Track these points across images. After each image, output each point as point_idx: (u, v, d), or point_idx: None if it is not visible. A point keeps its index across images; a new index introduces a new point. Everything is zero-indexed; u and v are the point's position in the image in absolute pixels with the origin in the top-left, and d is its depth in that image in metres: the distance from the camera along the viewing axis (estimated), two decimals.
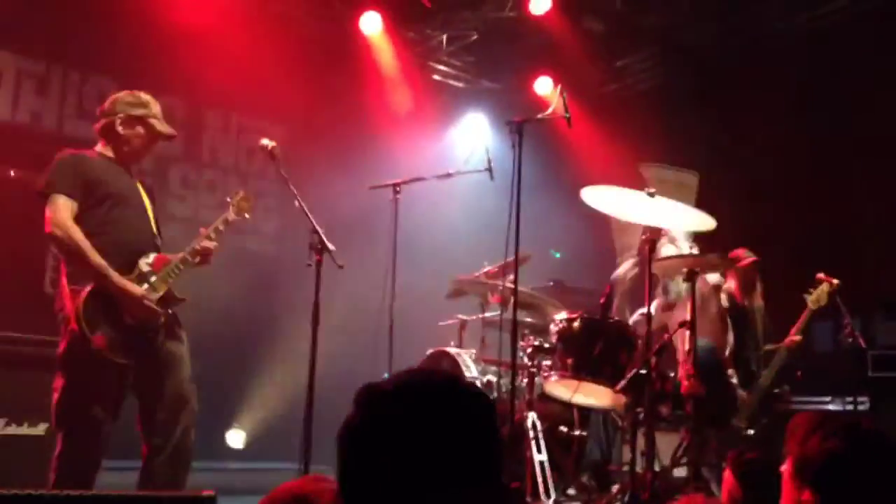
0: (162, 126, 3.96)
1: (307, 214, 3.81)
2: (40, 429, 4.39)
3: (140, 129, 3.94)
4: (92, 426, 3.68)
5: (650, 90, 7.90)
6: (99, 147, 3.98)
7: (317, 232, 3.77)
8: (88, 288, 3.67)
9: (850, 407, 5.89)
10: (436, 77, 8.32)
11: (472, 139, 7.94)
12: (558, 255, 5.98)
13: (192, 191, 7.37)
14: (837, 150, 6.79)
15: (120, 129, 3.92)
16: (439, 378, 1.46)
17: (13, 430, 4.37)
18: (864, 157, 6.65)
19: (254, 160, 7.53)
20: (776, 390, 5.26)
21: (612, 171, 7.50)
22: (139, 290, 3.73)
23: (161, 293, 3.81)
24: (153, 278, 3.81)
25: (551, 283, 5.91)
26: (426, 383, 1.44)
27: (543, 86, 8.02)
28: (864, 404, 5.93)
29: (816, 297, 5.20)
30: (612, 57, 7.99)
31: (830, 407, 6.02)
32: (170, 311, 3.86)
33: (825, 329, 6.29)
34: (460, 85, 8.49)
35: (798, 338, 5.20)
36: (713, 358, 4.84)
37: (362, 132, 7.32)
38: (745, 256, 5.56)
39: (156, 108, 3.97)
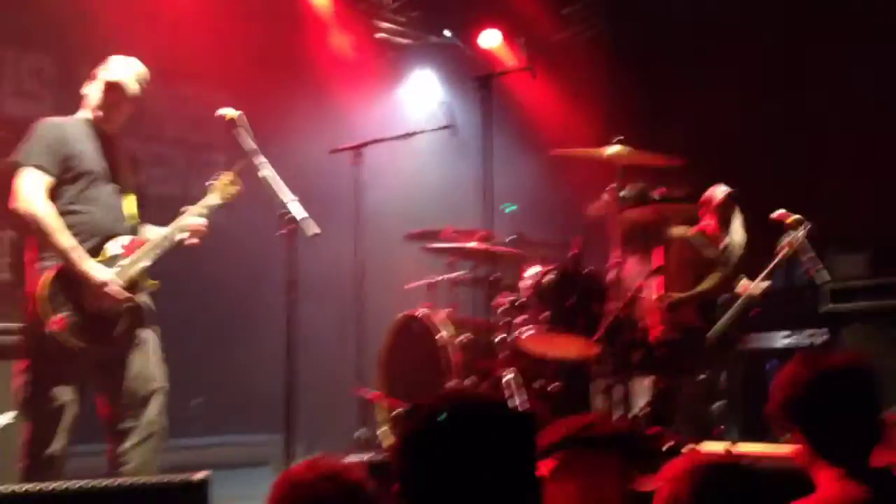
0: (113, 75, 3.85)
1: (276, 185, 3.70)
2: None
3: (98, 83, 3.86)
4: (56, 411, 3.60)
5: (597, 37, 7.87)
6: (80, 112, 3.89)
7: (286, 202, 3.67)
8: (55, 268, 3.57)
9: (808, 341, 6.04)
10: (380, 35, 8.16)
11: (425, 97, 7.84)
12: (510, 209, 5.96)
13: (143, 168, 7.14)
14: (788, 85, 6.87)
15: (91, 90, 3.85)
16: (488, 402, 1.73)
17: None
18: (816, 91, 6.74)
19: (202, 131, 7.33)
20: (732, 334, 5.30)
21: (566, 124, 7.53)
22: (101, 276, 3.63)
23: (130, 277, 3.71)
24: (123, 262, 3.71)
25: (513, 237, 5.90)
26: (476, 407, 1.67)
27: (489, 39, 7.94)
28: (823, 336, 6.10)
29: (789, 241, 5.08)
30: (558, 4, 7.94)
31: (788, 341, 6.16)
32: (139, 297, 3.77)
33: (787, 265, 6.42)
34: (406, 42, 8.35)
35: (764, 284, 5.15)
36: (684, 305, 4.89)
37: (310, 96, 7.17)
38: (717, 194, 5.44)
39: (118, 65, 3.88)
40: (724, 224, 5.36)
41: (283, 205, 3.58)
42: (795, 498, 2.22)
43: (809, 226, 5.12)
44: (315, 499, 1.64)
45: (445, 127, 4.89)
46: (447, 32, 8.10)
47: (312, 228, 3.54)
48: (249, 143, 3.78)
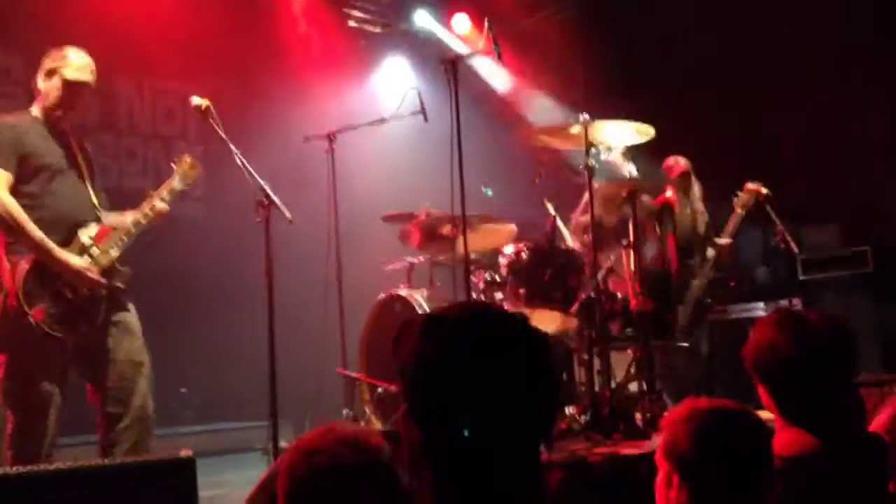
0: (74, 73, 3.83)
1: (250, 170, 3.76)
2: None
3: (56, 81, 3.83)
4: (40, 401, 3.65)
5: (568, 20, 7.92)
6: (32, 108, 3.89)
7: (263, 188, 3.74)
8: (28, 261, 3.60)
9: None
10: (352, 24, 8.18)
11: (397, 83, 7.88)
12: (490, 193, 6.02)
13: (113, 160, 7.14)
14: (762, 59, 6.95)
15: (41, 85, 3.84)
16: (497, 308, 1.53)
17: None
18: (790, 64, 6.83)
19: (173, 123, 7.33)
20: (707, 300, 5.45)
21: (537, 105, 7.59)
22: (79, 262, 3.67)
23: (103, 265, 3.75)
24: (95, 251, 3.74)
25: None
26: (489, 313, 1.50)
27: (460, 24, 7.99)
28: (797, 306, 6.21)
29: (744, 200, 5.38)
30: None
31: (762, 313, 6.27)
32: (115, 283, 3.81)
33: (755, 238, 6.55)
34: (377, 30, 8.37)
35: (726, 241, 5.40)
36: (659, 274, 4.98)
37: (284, 86, 7.18)
38: (676, 165, 5.71)
39: (76, 57, 3.85)
40: (685, 193, 5.64)
41: (260, 191, 3.64)
42: None
43: (767, 193, 5.31)
44: (332, 465, 1.58)
45: (417, 112, 4.93)
46: (418, 20, 8.15)
47: (287, 214, 3.60)
48: (222, 130, 3.83)
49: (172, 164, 4.01)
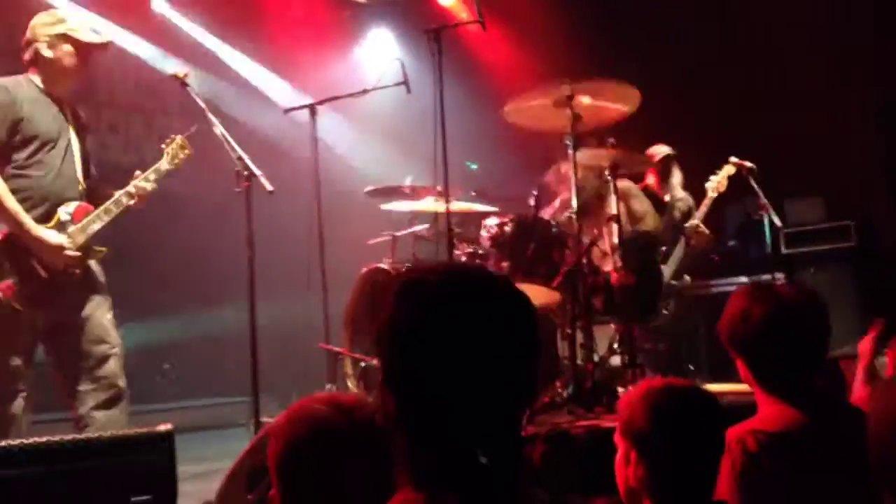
0: (89, 35, 3.74)
1: (230, 141, 3.71)
2: None
3: (67, 47, 3.71)
4: (8, 377, 3.60)
5: None
6: (30, 74, 3.76)
7: (242, 158, 3.68)
8: (0, 234, 3.53)
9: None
10: None
11: (381, 55, 7.80)
12: (474, 167, 5.98)
13: (93, 134, 7.04)
14: (748, 35, 6.92)
15: (48, 52, 3.70)
16: (479, 269, 1.44)
17: None
18: (774, 42, 6.80)
19: (156, 97, 7.24)
20: (675, 282, 5.43)
21: (524, 80, 7.52)
22: (56, 239, 3.60)
23: (80, 243, 3.69)
24: (71, 228, 3.68)
25: (473, 194, 5.93)
26: (470, 272, 1.43)
27: None
28: (780, 280, 6.23)
29: (716, 183, 5.37)
30: None
31: None
32: (90, 262, 3.76)
33: (739, 211, 6.55)
34: (363, 1, 8.27)
35: (694, 223, 5.35)
36: (643, 249, 4.97)
37: (267, 57, 7.11)
38: (658, 152, 5.72)
39: (76, 19, 3.76)
40: (665, 180, 5.70)
41: (240, 161, 3.59)
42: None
43: (751, 166, 5.30)
44: (324, 430, 1.58)
45: (400, 83, 4.87)
46: None
47: (268, 185, 3.55)
48: (200, 101, 3.77)
49: (162, 146, 3.92)
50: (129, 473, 2.64)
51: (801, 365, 2.30)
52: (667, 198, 5.75)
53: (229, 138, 3.66)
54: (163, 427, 2.69)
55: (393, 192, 5.20)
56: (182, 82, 3.79)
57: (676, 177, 5.76)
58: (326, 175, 5.05)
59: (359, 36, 8.15)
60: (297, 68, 6.94)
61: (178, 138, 3.91)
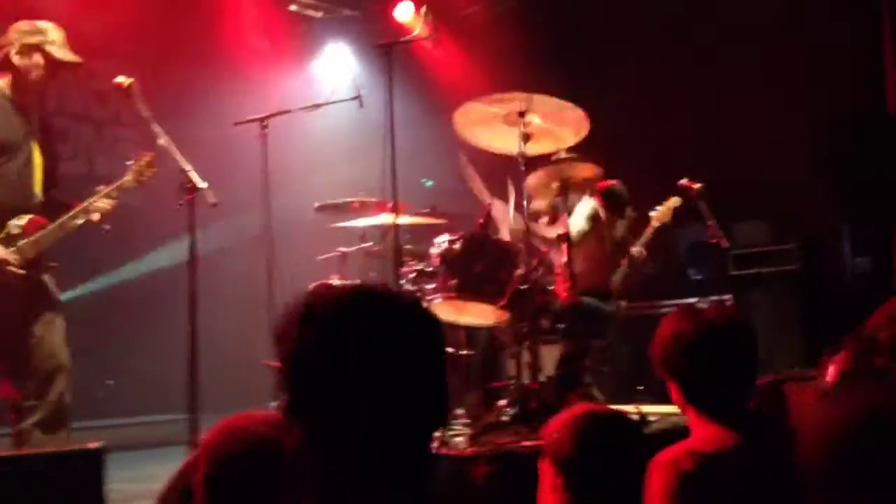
0: (62, 53, 3.69)
1: (174, 153, 3.65)
2: None
3: (38, 58, 3.68)
4: None
5: (510, 10, 7.92)
6: None
7: (185, 171, 3.63)
8: None
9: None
10: (293, 8, 8.05)
11: (337, 70, 7.79)
12: (429, 184, 5.99)
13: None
14: (696, 58, 7.01)
15: (15, 59, 3.66)
16: (385, 290, 1.37)
17: None
18: (722, 65, 6.90)
19: (107, 106, 7.13)
20: (619, 303, 5.43)
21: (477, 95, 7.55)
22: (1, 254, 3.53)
23: (29, 257, 3.61)
24: (22, 242, 3.60)
25: (427, 210, 5.93)
26: (375, 294, 1.35)
27: (404, 11, 7.90)
28: (727, 301, 6.31)
29: (661, 213, 5.39)
30: None
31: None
32: (40, 277, 3.68)
33: (688, 233, 6.62)
34: (319, 14, 8.25)
35: (637, 250, 5.33)
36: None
37: (222, 71, 7.04)
38: (609, 185, 5.65)
39: (56, 34, 3.72)
40: (611, 213, 5.53)
41: (184, 173, 3.54)
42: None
43: (700, 186, 5.32)
44: (254, 444, 1.54)
45: (353, 98, 4.86)
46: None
47: (211, 198, 3.51)
48: (146, 110, 3.71)
49: (128, 163, 3.85)
50: (58, 490, 2.58)
51: (731, 386, 2.33)
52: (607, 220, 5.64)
53: (174, 150, 3.61)
54: (93, 444, 2.64)
55: (343, 208, 5.18)
56: (126, 91, 3.73)
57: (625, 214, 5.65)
58: (277, 189, 5.01)
59: (315, 50, 8.12)
60: (252, 82, 6.89)
61: (147, 156, 3.84)
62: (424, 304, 1.42)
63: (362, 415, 1.26)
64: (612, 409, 2.09)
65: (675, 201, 5.42)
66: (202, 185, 3.52)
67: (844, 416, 1.30)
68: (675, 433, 2.29)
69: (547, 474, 2.01)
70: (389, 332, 1.30)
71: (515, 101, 4.29)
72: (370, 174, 4.83)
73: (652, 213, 5.43)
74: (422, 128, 6.82)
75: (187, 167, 3.55)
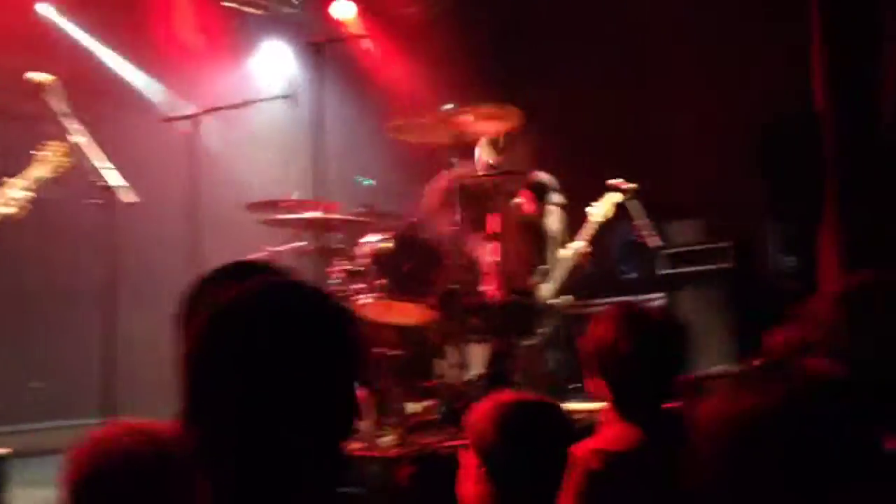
0: None
1: (90, 150, 3.56)
2: None
3: None
4: None
5: (445, 12, 7.90)
6: None
7: (101, 169, 3.55)
8: None
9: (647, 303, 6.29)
10: (227, 3, 7.91)
11: (274, 67, 7.68)
12: (367, 183, 5.94)
13: None
14: (633, 56, 7.08)
15: None
16: (294, 284, 1.31)
17: None
18: (658, 64, 6.98)
19: (30, 102, 6.93)
20: (555, 301, 5.44)
21: (416, 97, 7.54)
22: None
23: None
24: None
25: (362, 209, 5.89)
26: (282, 288, 1.30)
27: (341, 9, 7.83)
28: (661, 300, 6.37)
29: (602, 210, 5.33)
30: None
31: None
32: None
33: (622, 231, 6.67)
34: (257, 11, 8.13)
35: (580, 245, 5.32)
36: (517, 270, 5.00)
37: (153, 67, 6.89)
38: (535, 176, 5.67)
39: None
40: (539, 200, 5.52)
41: (98, 172, 3.46)
42: None
43: (632, 187, 5.33)
44: (119, 458, 1.50)
45: (285, 97, 4.83)
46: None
47: (128, 196, 3.43)
48: (62, 107, 3.62)
49: (34, 152, 3.72)
50: None
51: (657, 386, 2.34)
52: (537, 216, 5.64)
53: (90, 147, 3.52)
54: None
55: (275, 206, 5.11)
56: (41, 87, 3.62)
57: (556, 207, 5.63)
58: (208, 188, 4.92)
59: (253, 47, 8.00)
60: (184, 79, 6.74)
61: (59, 146, 3.73)
62: (342, 302, 1.35)
63: (265, 418, 1.21)
64: (538, 397, 2.05)
65: (615, 196, 5.37)
66: (118, 183, 3.44)
67: (723, 416, 1.31)
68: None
69: (470, 465, 1.97)
70: (299, 329, 1.24)
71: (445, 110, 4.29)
72: (305, 173, 4.79)
73: (591, 209, 5.38)
74: (359, 126, 6.78)
75: (103, 165, 3.47)
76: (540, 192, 5.54)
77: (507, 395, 2.03)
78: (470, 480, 1.94)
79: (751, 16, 6.59)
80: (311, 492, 1.26)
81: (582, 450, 2.27)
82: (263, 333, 1.22)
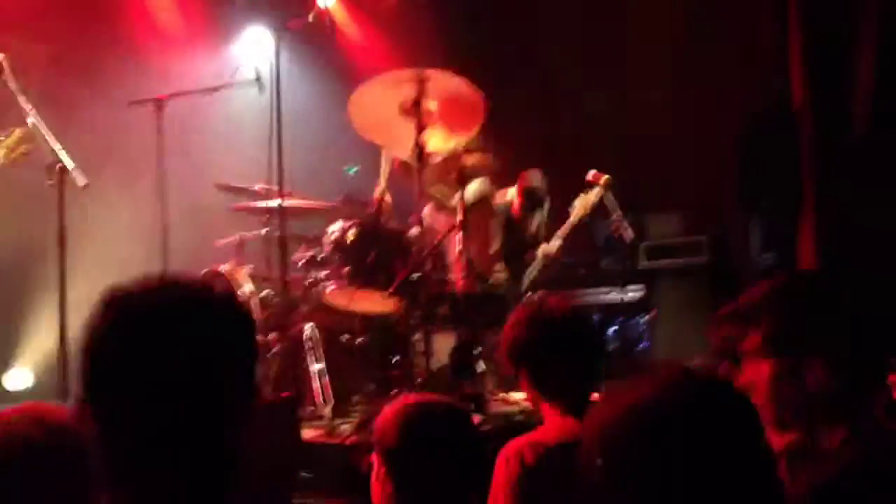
0: None
1: (44, 132, 3.51)
2: None
3: None
4: None
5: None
6: None
7: (55, 151, 3.49)
8: None
9: (627, 296, 6.28)
10: None
11: (254, 53, 7.61)
12: (353, 172, 5.90)
13: None
14: (612, 48, 7.03)
15: None
16: (190, 284, 1.33)
17: None
18: (637, 57, 6.94)
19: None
20: (530, 293, 5.40)
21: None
22: None
23: None
24: None
25: (341, 198, 5.84)
26: (177, 289, 1.32)
27: None
28: (640, 292, 6.37)
29: (582, 207, 5.26)
30: None
31: (609, 297, 6.38)
32: None
33: (604, 224, 6.63)
34: None
35: (558, 243, 5.26)
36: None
37: (128, 52, 6.80)
38: (528, 180, 5.59)
39: None
40: (529, 209, 5.51)
41: (53, 153, 3.41)
42: None
43: (608, 179, 5.28)
44: (15, 438, 1.49)
45: (252, 81, 4.78)
46: None
47: (82, 179, 3.39)
48: (18, 87, 3.56)
49: None
50: None
51: (577, 376, 2.33)
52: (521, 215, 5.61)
53: (44, 129, 3.47)
54: None
55: (245, 193, 5.08)
56: None
57: (543, 209, 5.63)
58: (177, 174, 4.86)
59: (231, 31, 7.92)
60: (158, 62, 6.66)
61: (18, 130, 3.65)
62: (236, 298, 1.38)
63: (160, 409, 1.23)
64: (443, 401, 2.06)
65: (593, 194, 5.30)
66: (71, 165, 3.39)
67: (599, 417, 1.29)
68: None
69: (375, 464, 1.99)
70: (189, 321, 1.27)
71: (410, 80, 4.20)
72: (275, 160, 4.74)
73: (571, 207, 5.30)
74: (338, 114, 6.70)
75: (57, 147, 3.43)
76: (532, 199, 5.47)
77: (410, 399, 2.05)
78: (378, 481, 1.95)
79: (729, 14, 6.56)
80: (202, 485, 1.27)
81: (518, 443, 2.26)
82: (153, 320, 1.26)
